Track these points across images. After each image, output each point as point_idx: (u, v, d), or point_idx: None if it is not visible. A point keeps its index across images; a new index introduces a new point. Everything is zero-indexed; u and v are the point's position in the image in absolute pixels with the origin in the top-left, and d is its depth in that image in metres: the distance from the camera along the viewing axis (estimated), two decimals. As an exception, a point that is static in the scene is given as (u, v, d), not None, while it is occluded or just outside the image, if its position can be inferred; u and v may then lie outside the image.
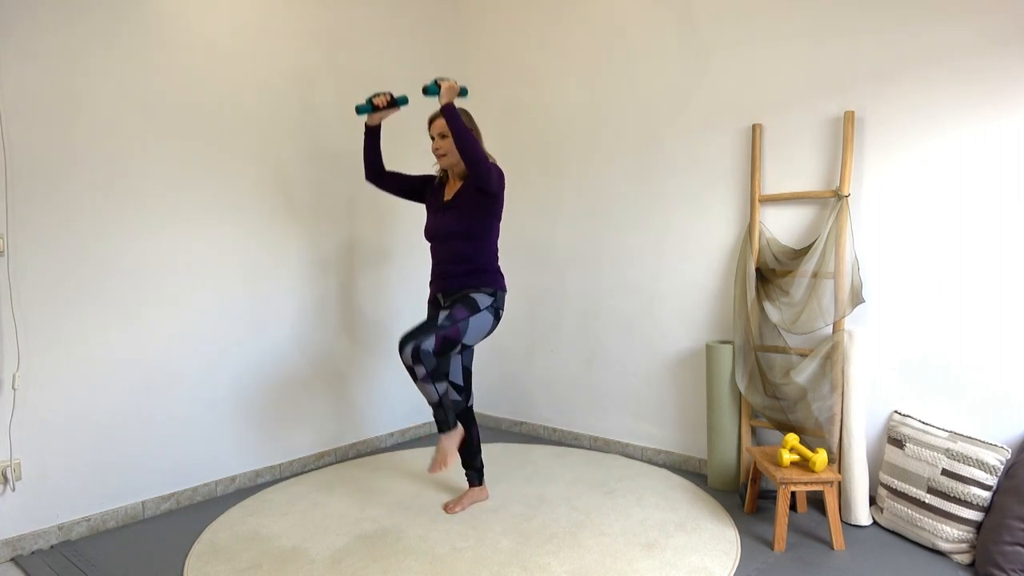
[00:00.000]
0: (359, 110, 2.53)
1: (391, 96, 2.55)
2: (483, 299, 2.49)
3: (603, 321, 3.41)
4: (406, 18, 3.66)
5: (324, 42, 3.28)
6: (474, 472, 2.72)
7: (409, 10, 3.67)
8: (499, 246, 3.82)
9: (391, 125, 3.51)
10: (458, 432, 2.49)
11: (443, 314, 2.40)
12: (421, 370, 2.33)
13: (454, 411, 2.61)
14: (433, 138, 2.56)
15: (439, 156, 2.56)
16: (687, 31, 3.01)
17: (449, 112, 2.39)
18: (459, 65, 3.94)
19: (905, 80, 2.45)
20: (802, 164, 2.72)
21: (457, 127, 2.38)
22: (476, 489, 2.72)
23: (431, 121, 2.57)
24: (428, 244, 2.94)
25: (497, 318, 2.52)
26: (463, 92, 2.48)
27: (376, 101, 2.54)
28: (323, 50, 3.28)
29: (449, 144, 2.53)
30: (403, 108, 2.61)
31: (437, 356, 2.36)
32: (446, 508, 2.62)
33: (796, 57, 2.71)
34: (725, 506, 2.65)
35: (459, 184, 2.59)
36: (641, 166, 3.21)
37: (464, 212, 2.51)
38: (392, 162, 3.26)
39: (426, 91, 2.46)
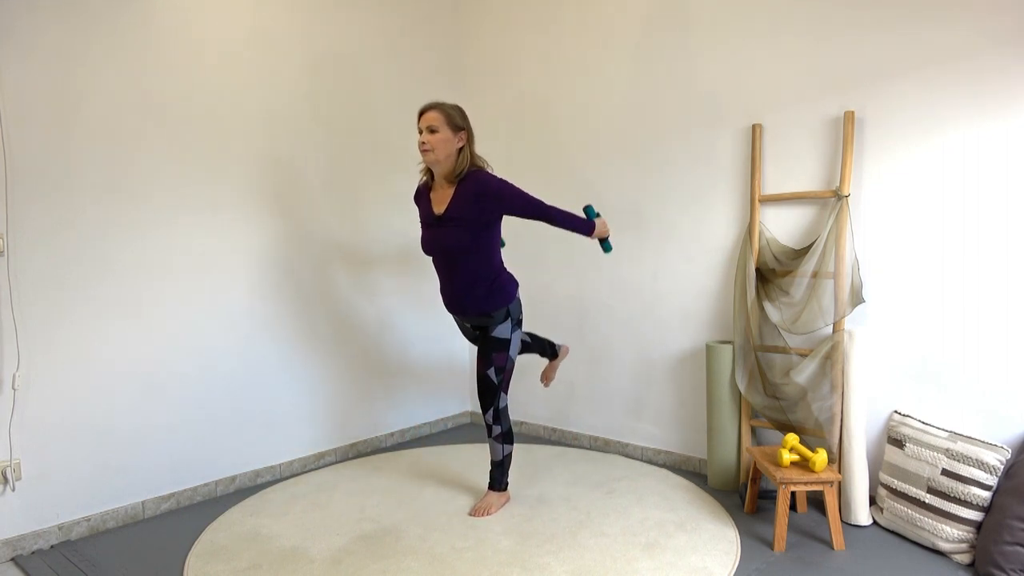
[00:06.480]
0: (606, 249, 2.73)
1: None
2: (504, 328, 2.53)
3: (603, 321, 3.41)
4: (404, 17, 3.66)
5: (321, 41, 3.28)
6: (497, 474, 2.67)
7: (406, 8, 3.67)
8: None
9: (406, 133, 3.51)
10: (506, 495, 2.68)
11: (492, 371, 2.54)
12: (497, 428, 2.60)
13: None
14: (421, 131, 2.40)
15: (424, 151, 2.39)
16: (687, 30, 3.01)
17: (593, 234, 2.59)
18: (456, 65, 3.94)
19: (905, 80, 2.45)
20: (802, 164, 2.72)
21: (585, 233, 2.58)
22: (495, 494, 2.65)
23: (421, 113, 2.42)
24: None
25: (519, 325, 2.60)
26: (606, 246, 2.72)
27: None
28: (321, 48, 3.28)
29: (437, 140, 2.37)
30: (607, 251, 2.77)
31: (503, 389, 2.59)
32: (471, 513, 2.59)
33: (796, 57, 2.71)
34: (725, 506, 2.65)
35: (449, 191, 2.44)
36: (641, 166, 3.21)
37: (463, 228, 2.39)
38: (395, 159, 3.24)
39: (587, 213, 2.68)
